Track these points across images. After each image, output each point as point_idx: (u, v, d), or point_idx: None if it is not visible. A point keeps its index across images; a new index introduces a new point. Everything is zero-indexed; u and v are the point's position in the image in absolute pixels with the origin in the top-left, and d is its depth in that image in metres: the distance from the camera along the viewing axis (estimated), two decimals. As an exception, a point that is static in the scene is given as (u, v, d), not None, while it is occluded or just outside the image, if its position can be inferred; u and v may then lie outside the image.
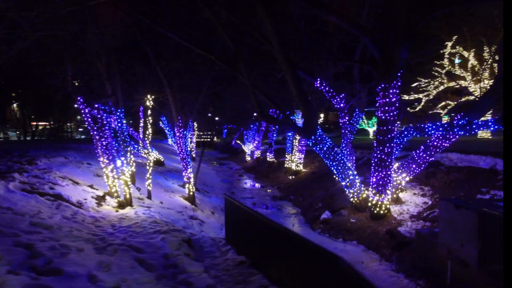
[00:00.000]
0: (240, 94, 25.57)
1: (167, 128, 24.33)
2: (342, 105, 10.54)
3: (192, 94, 14.59)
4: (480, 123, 7.45)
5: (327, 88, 10.53)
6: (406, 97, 33.08)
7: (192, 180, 12.27)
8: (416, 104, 33.24)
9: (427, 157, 10.84)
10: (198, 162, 17.06)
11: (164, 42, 11.89)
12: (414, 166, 11.13)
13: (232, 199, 7.73)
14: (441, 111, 37.25)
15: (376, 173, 10.19)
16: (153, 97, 11.17)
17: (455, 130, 7.85)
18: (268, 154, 28.92)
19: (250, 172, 28.71)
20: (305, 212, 14.68)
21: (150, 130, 11.12)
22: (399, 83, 8.58)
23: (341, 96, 10.39)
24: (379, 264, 9.13)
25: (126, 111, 20.41)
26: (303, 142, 21.73)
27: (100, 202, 8.52)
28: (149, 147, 10.78)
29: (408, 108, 38.66)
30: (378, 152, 9.61)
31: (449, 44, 25.36)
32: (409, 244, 9.51)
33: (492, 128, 6.98)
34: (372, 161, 10.13)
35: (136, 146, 19.89)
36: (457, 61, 27.90)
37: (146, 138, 10.92)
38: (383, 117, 8.97)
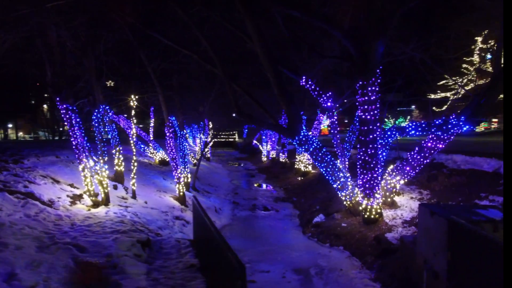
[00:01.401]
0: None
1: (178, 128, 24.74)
2: (329, 104, 10.10)
3: (185, 94, 14.61)
4: (454, 122, 6.82)
5: (313, 87, 10.14)
6: (432, 95, 31.41)
7: (182, 180, 12.27)
8: (446, 103, 31.56)
9: (422, 159, 10.16)
10: (198, 162, 17.10)
11: (156, 42, 11.98)
12: (408, 168, 10.48)
13: (196, 201, 7.58)
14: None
15: (362, 176, 9.68)
16: (137, 97, 11.31)
17: (433, 130, 7.24)
18: (281, 154, 28.57)
19: (263, 172, 28.48)
20: (302, 215, 14.27)
21: (134, 130, 11.25)
22: (379, 80, 8.05)
23: (327, 94, 9.95)
24: (359, 272, 8.62)
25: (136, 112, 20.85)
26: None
27: (74, 201, 8.69)
28: (133, 148, 10.88)
29: (434, 108, 36.70)
30: (362, 153, 9.10)
31: (480, 39, 23.77)
32: (394, 252, 8.94)
33: (465, 128, 6.35)
34: (358, 164, 9.62)
35: (142, 146, 20.35)
36: (489, 56, 26.11)
37: (131, 138, 11.05)
38: (363, 117, 8.46)
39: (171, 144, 12.30)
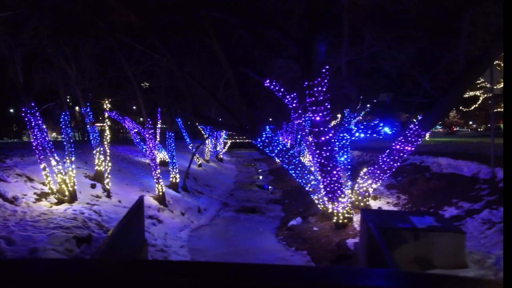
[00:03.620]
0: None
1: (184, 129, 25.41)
2: (294, 105, 9.96)
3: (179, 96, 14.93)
4: (383, 125, 6.48)
5: (277, 88, 10.05)
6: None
7: (161, 180, 12.61)
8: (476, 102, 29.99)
9: (392, 162, 9.76)
10: (189, 162, 17.42)
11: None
12: (378, 172, 10.10)
13: (139, 201, 7.79)
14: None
15: (323, 180, 9.43)
16: (109, 100, 11.79)
17: (369, 131, 6.93)
18: (290, 156, 28.30)
19: (273, 174, 28.33)
20: (284, 217, 14.10)
21: (108, 132, 11.75)
22: (326, 80, 7.82)
23: (292, 95, 9.82)
24: (310, 277, 8.40)
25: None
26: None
27: (40, 198, 9.23)
28: (107, 148, 11.37)
29: (461, 107, 34.74)
30: (317, 156, 8.87)
31: None
32: (349, 258, 8.65)
33: (389, 130, 6.01)
34: (316, 167, 9.38)
35: (145, 146, 21.04)
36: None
37: (105, 140, 11.54)
38: (313, 118, 8.26)
39: (151, 145, 12.69)
